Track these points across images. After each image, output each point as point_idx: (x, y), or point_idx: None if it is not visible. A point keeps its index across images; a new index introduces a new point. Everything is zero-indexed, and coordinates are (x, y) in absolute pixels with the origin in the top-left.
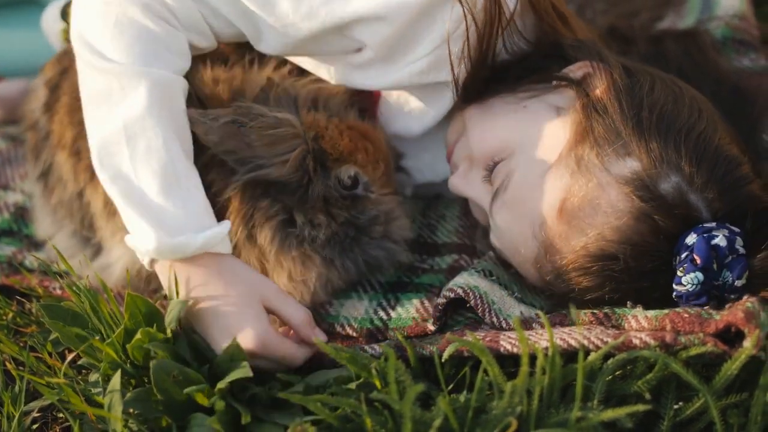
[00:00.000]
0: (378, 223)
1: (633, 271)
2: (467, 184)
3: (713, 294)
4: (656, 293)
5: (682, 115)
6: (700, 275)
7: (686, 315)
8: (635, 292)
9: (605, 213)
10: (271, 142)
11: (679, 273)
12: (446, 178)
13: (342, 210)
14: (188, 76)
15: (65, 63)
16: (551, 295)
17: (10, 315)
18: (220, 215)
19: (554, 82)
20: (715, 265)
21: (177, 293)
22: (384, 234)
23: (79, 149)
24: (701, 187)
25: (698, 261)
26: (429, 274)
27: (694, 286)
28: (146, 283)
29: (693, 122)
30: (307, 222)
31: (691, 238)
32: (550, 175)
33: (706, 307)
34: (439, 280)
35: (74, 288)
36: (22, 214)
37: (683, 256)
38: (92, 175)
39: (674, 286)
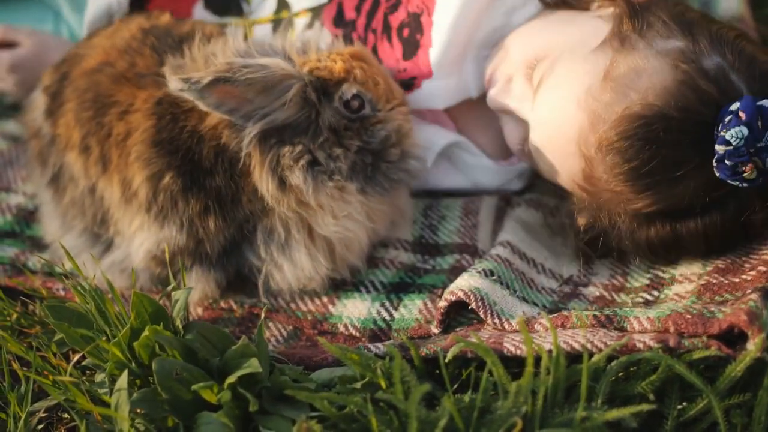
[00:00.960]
0: (391, 145)
1: (674, 133)
2: (506, 93)
3: (753, 159)
4: (696, 160)
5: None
6: (744, 129)
7: (689, 316)
8: (673, 165)
9: (649, 78)
10: (264, 89)
11: (722, 133)
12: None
13: (353, 138)
14: None
15: (64, 69)
16: (582, 210)
17: (14, 316)
18: (247, 174)
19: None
20: (759, 123)
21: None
22: (401, 155)
23: (87, 145)
24: (741, 70)
25: (743, 116)
26: (431, 274)
27: (737, 140)
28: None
29: (730, 25)
30: (328, 157)
31: (735, 105)
32: (595, 53)
33: (708, 305)
34: (441, 280)
35: (80, 288)
36: (24, 215)
37: (727, 119)
38: (104, 168)
39: (716, 147)
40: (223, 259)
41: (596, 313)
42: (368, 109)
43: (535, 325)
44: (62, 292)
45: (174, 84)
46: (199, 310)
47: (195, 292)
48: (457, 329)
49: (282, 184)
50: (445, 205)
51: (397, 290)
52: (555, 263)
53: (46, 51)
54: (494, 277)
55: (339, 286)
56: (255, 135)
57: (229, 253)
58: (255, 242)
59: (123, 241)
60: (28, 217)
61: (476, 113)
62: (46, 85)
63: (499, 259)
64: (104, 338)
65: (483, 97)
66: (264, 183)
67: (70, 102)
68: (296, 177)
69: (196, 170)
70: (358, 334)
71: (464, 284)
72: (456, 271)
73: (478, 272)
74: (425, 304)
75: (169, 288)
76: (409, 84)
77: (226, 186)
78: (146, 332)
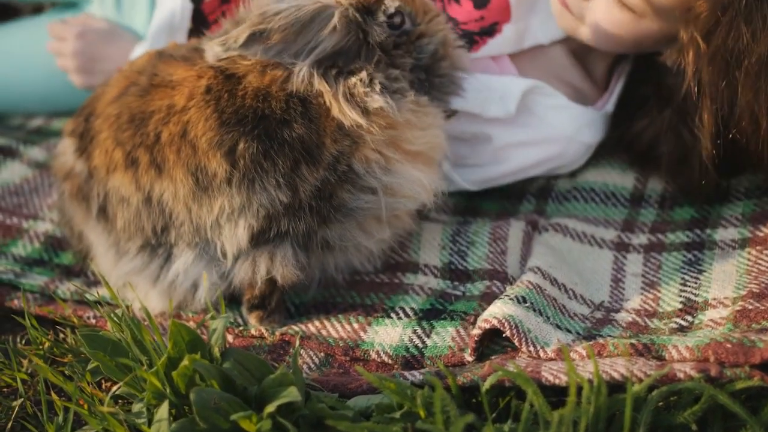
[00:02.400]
0: (440, 58)
1: None
2: None
3: None
4: None
5: None
6: None
7: (728, 345)
8: None
9: None
10: (302, 27)
11: None
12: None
13: (404, 56)
14: None
15: (86, 111)
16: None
17: (47, 345)
18: (325, 116)
19: None
20: None
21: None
22: (451, 66)
23: (134, 158)
24: None
25: None
26: (462, 301)
27: None
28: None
29: None
30: (389, 79)
31: None
32: None
33: (747, 333)
34: (472, 307)
35: (115, 318)
36: (52, 243)
37: None
38: (158, 171)
39: None
40: (315, 214)
41: (633, 341)
42: (408, 24)
43: (571, 353)
44: (93, 320)
45: (212, 51)
46: (230, 338)
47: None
48: (492, 357)
49: (366, 111)
50: (473, 231)
51: (428, 317)
52: (585, 289)
53: (113, 35)
54: (527, 304)
55: (370, 312)
56: (308, 67)
57: (324, 199)
58: (358, 177)
59: (192, 243)
60: (56, 244)
61: (543, 62)
62: (71, 129)
63: (530, 285)
64: (141, 367)
65: (551, 45)
66: (348, 115)
67: (102, 132)
68: (377, 101)
69: (270, 125)
70: (390, 361)
71: (498, 312)
72: (487, 298)
73: (511, 299)
74: (458, 332)
75: (207, 316)
76: (490, 30)
77: (307, 132)
78: (185, 362)
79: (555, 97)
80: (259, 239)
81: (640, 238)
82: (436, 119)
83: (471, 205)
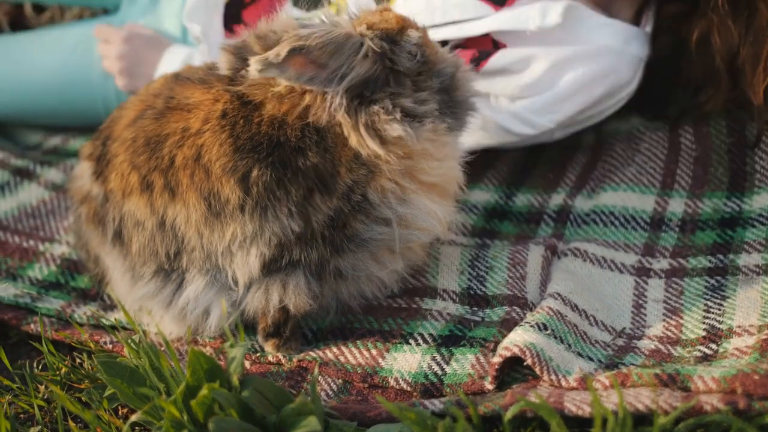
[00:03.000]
0: (457, 81)
1: None
2: None
3: None
4: None
5: None
6: None
7: (756, 377)
8: None
9: None
10: (336, 50)
11: None
12: None
13: (428, 81)
14: None
15: (103, 134)
16: None
17: (63, 370)
18: (341, 145)
19: None
20: None
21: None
22: (466, 91)
23: (149, 182)
24: None
25: None
26: (481, 327)
27: None
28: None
29: None
30: (415, 102)
31: None
32: None
33: None
34: (492, 333)
35: (132, 344)
36: (68, 266)
37: None
38: (172, 195)
39: None
40: (328, 244)
41: (657, 371)
42: (419, 54)
43: (594, 383)
44: (110, 346)
45: (253, 67)
46: (247, 364)
47: (291, 306)
48: (513, 386)
49: (383, 141)
50: (492, 255)
51: (447, 343)
52: (606, 315)
53: (158, 41)
54: (548, 332)
55: (388, 338)
56: (341, 95)
57: (337, 228)
58: (373, 207)
59: (203, 270)
60: (72, 267)
61: None
62: (88, 153)
63: (551, 311)
64: (159, 395)
65: None
66: (366, 145)
67: (118, 156)
68: (396, 129)
69: (285, 153)
70: (409, 389)
71: (519, 339)
72: (506, 324)
73: (532, 326)
74: (477, 359)
75: (226, 345)
76: None
77: (322, 161)
78: (204, 391)
79: (595, 16)
80: (271, 267)
81: (661, 263)
82: (452, 150)
83: (489, 227)
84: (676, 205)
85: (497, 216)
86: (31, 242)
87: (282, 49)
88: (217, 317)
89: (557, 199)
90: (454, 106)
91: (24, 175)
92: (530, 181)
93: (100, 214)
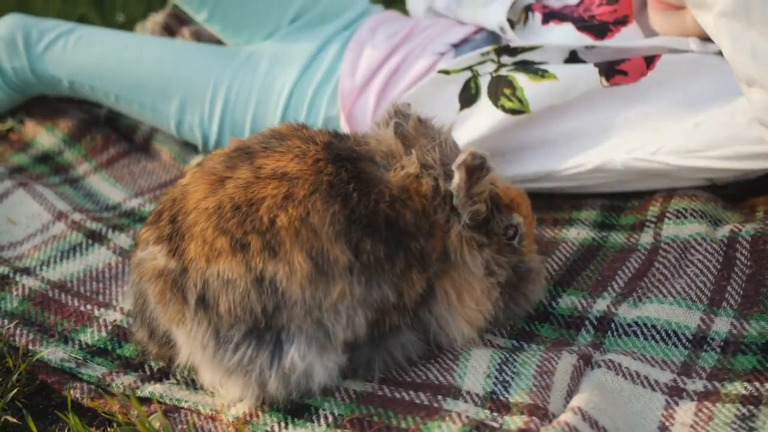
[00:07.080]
0: (531, 279)
1: None
2: None
3: None
4: None
5: None
6: None
7: None
8: None
9: None
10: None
11: None
12: None
13: (511, 255)
14: None
15: (168, 215)
16: None
17: None
18: (440, 237)
19: None
20: None
21: None
22: (532, 293)
23: (244, 243)
24: None
25: None
26: None
27: None
28: None
29: None
30: (492, 259)
31: None
32: None
33: None
34: None
35: (146, 423)
36: (118, 333)
37: None
38: (272, 253)
39: None
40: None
41: None
42: (517, 242)
43: None
44: (135, 420)
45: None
46: None
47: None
48: None
49: (464, 262)
50: (521, 361)
51: None
52: None
53: None
54: None
55: None
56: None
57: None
58: (434, 300)
59: (303, 328)
60: (121, 335)
61: None
62: (155, 237)
63: (566, 427)
64: None
65: None
66: (455, 249)
67: (196, 226)
68: (474, 262)
69: (401, 235)
70: None
71: None
72: None
73: None
74: None
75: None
76: (623, 20)
77: (426, 246)
78: None
79: None
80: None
81: (696, 384)
82: (491, 300)
83: (529, 329)
84: (722, 324)
85: (538, 317)
86: (89, 306)
87: (460, 185)
88: (322, 376)
89: (602, 305)
90: (515, 292)
91: (96, 238)
92: (577, 282)
93: (179, 283)
